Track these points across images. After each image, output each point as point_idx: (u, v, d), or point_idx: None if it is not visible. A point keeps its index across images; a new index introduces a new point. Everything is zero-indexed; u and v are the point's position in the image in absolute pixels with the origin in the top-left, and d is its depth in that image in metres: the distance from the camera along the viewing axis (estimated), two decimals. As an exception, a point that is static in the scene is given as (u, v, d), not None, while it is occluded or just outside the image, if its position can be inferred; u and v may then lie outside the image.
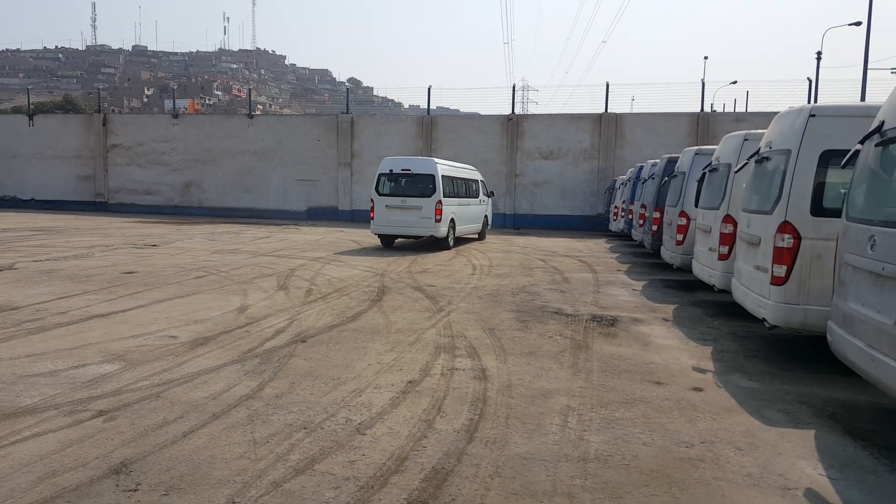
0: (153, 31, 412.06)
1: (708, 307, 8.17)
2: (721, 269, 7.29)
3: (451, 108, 35.49)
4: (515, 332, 6.51)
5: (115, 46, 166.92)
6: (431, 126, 25.83)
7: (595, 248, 16.11)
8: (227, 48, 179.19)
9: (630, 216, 15.48)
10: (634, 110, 25.92)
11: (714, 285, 7.51)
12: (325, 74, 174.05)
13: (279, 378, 4.83)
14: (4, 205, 29.80)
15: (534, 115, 25.43)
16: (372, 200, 14.46)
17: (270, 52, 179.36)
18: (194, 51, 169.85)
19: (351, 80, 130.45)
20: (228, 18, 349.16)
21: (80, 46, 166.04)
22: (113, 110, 57.91)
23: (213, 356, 5.41)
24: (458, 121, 26.46)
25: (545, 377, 4.96)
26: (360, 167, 26.65)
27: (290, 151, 27.36)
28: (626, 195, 16.49)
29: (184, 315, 6.97)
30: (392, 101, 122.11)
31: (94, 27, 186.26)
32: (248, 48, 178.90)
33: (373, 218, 14.44)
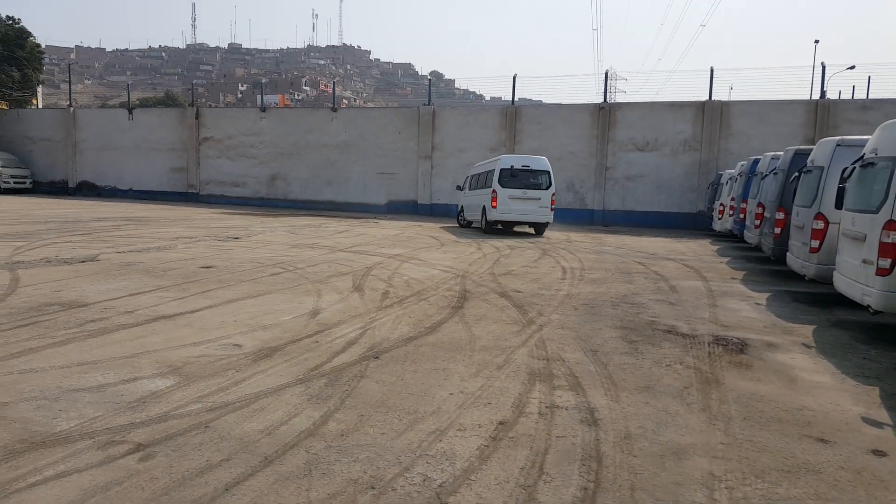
0: (247, 29, 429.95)
1: (857, 330, 6.81)
2: (881, 288, 5.95)
3: (535, 99, 34.20)
4: (624, 356, 5.49)
5: (212, 45, 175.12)
6: (515, 117, 24.77)
7: (700, 251, 14.61)
8: (315, 45, 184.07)
9: (742, 215, 13.89)
10: (736, 98, 23.77)
11: (869, 306, 6.17)
12: (407, 68, 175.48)
13: (346, 408, 4.08)
14: (105, 194, 31.29)
15: (628, 104, 23.82)
16: (494, 191, 16.31)
17: (356, 47, 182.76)
18: (285, 48, 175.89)
19: (433, 73, 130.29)
20: (317, 15, 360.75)
21: (181, 45, 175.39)
22: (210, 105, 60.22)
23: (276, 372, 4.75)
24: (544, 111, 25.25)
25: (672, 426, 3.94)
26: (441, 160, 26.00)
27: (371, 144, 27.09)
28: (736, 191, 14.87)
29: (252, 319, 6.41)
30: (473, 93, 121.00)
31: (194, 26, 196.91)
32: (335, 44, 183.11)
33: (495, 206, 16.27)
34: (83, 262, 9.62)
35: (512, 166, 16.51)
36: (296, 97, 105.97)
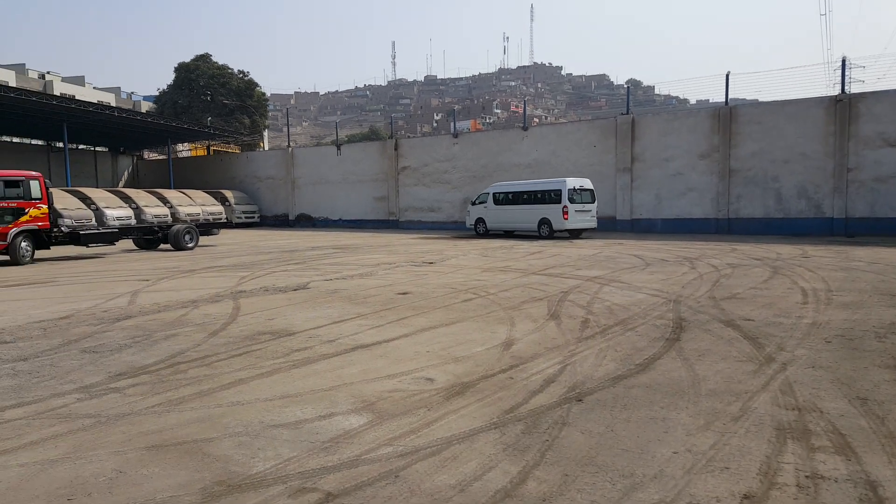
0: (441, 61, 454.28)
1: None
2: None
3: (749, 98, 30.91)
4: (906, 407, 4.22)
5: (410, 79, 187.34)
6: (730, 118, 22.47)
7: (982, 263, 11.70)
8: (506, 67, 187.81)
9: None
10: None
11: None
12: (601, 80, 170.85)
13: (547, 463, 3.52)
14: (319, 224, 34.45)
15: (874, 93, 20.23)
16: (565, 207, 20.95)
17: (547, 64, 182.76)
18: (476, 73, 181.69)
19: (630, 81, 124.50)
20: (508, 38, 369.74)
21: (383, 82, 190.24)
22: (408, 136, 64.30)
23: (468, 413, 4.35)
24: (765, 109, 22.50)
25: None
26: (642, 171, 24.51)
27: (563, 161, 26.43)
28: None
29: (445, 349, 6.15)
30: (676, 98, 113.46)
31: (394, 64, 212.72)
32: (526, 64, 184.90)
33: (567, 218, 21.01)
34: (296, 290, 10.27)
35: (574, 187, 21.45)
36: (487, 121, 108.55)
